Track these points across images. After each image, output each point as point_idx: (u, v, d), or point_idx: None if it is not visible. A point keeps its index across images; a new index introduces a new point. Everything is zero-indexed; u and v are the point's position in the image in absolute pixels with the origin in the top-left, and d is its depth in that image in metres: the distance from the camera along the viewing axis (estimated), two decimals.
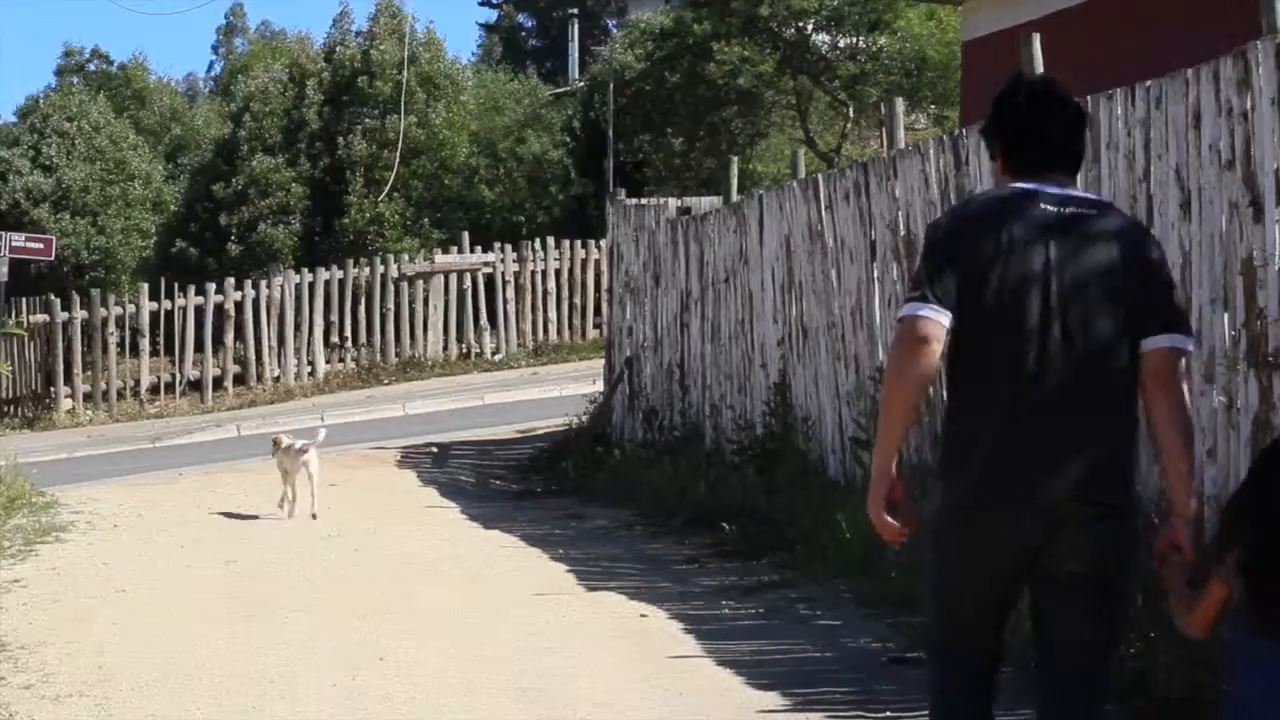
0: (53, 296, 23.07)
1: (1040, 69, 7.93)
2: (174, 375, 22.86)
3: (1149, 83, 6.85)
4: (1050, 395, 3.76)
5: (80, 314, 22.58)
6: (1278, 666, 3.48)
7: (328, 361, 23.19)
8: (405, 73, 27.58)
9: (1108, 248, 3.83)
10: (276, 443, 11.92)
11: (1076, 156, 4.00)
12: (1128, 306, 3.81)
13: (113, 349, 22.57)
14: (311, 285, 23.07)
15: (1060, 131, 3.95)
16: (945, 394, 4.12)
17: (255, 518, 11.90)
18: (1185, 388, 3.85)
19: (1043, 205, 3.85)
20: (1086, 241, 3.82)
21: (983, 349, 3.82)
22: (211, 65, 49.06)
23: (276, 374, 22.91)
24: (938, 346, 3.80)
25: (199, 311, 22.86)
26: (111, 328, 22.61)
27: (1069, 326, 3.78)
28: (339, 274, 23.25)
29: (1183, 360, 3.86)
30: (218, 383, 22.88)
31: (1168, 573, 3.80)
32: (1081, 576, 3.79)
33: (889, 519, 3.84)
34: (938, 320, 3.79)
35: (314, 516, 11.42)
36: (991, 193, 4.04)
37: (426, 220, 27.82)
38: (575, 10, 42.62)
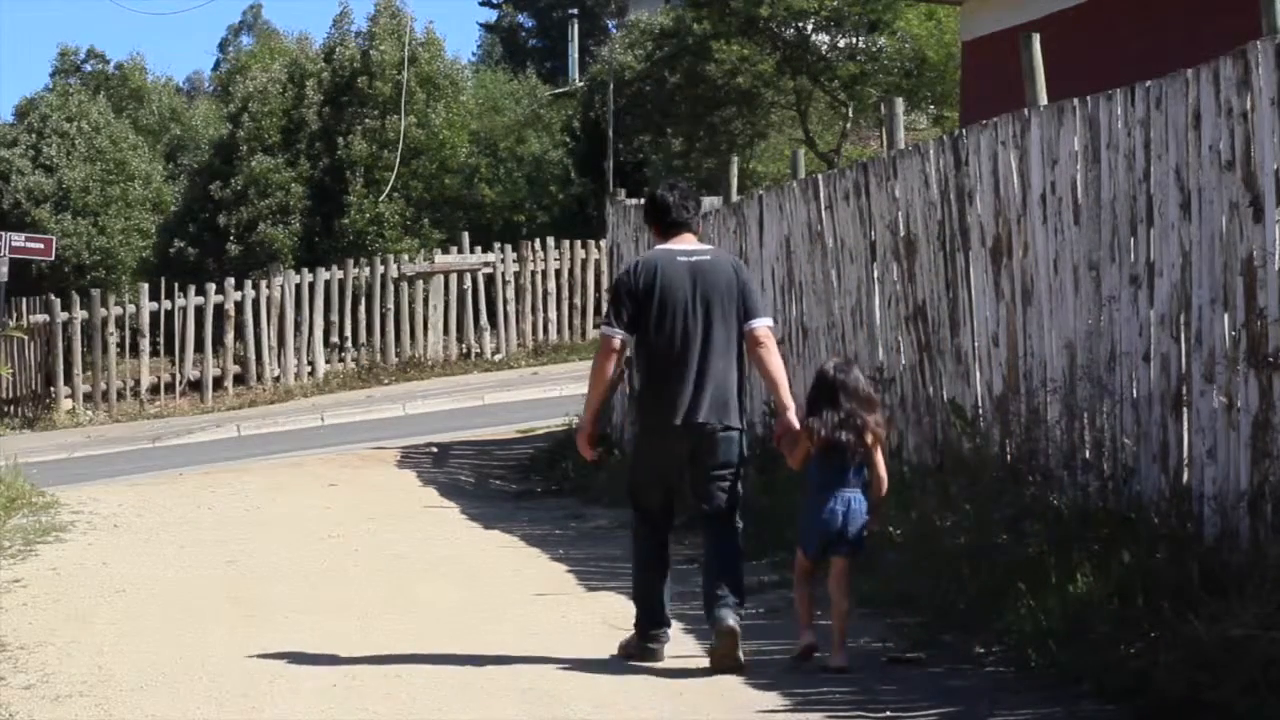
0: (53, 296, 23.09)
1: (1040, 69, 7.96)
2: (174, 375, 22.87)
3: (1149, 83, 6.85)
4: (697, 364, 6.63)
5: (80, 314, 22.58)
6: (813, 470, 6.64)
7: (328, 361, 23.19)
8: (405, 73, 27.58)
9: (719, 275, 6.74)
10: None
11: (696, 226, 7.00)
12: (733, 306, 6.68)
13: (113, 349, 22.58)
14: (311, 285, 23.08)
15: (686, 213, 6.94)
16: (638, 370, 6.76)
17: (256, 515, 11.92)
18: (774, 348, 6.75)
19: (678, 257, 6.78)
20: (707, 274, 6.73)
21: (658, 341, 6.67)
22: (218, 64, 48.84)
23: (276, 374, 22.92)
24: (622, 352, 6.75)
25: (199, 311, 22.87)
26: (111, 328, 22.61)
27: (704, 322, 6.65)
28: (339, 274, 23.25)
29: (769, 330, 6.75)
30: (218, 383, 22.89)
31: (784, 445, 6.78)
32: (717, 465, 6.70)
33: (590, 449, 6.83)
34: (621, 336, 6.72)
35: None
36: (650, 254, 6.91)
37: (426, 220, 27.80)
38: (575, 10, 42.65)
